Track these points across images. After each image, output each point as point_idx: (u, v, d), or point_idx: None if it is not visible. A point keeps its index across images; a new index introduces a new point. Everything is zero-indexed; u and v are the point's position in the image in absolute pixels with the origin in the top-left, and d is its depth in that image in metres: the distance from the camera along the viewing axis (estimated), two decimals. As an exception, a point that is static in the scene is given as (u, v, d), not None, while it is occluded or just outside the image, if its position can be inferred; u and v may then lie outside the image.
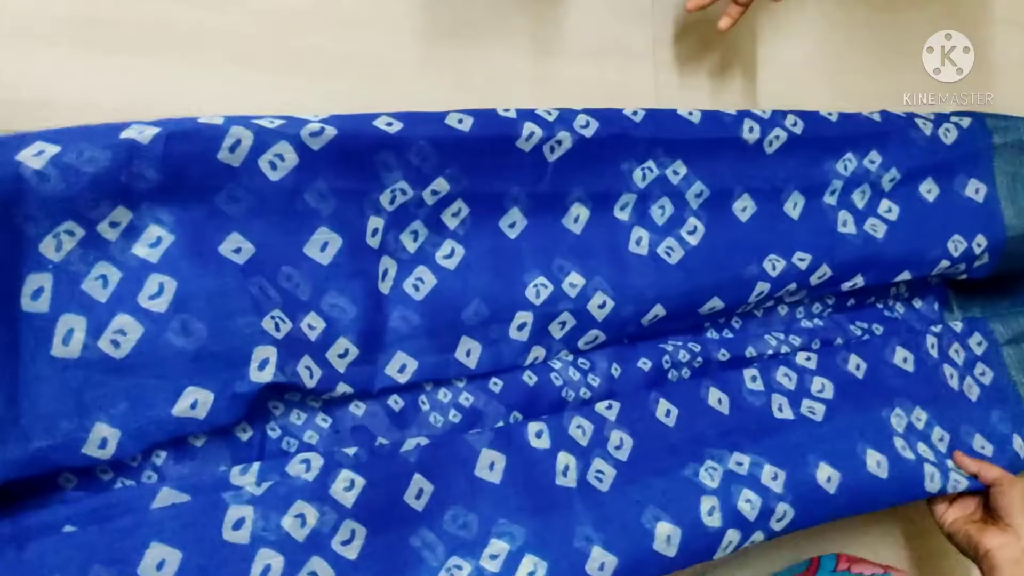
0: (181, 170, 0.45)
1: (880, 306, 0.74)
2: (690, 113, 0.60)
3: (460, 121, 0.52)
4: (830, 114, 0.65)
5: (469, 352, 0.55)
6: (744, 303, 0.63)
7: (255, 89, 0.55)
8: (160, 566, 0.41)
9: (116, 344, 0.43)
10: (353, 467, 0.48)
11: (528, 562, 0.49)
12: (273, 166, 0.47)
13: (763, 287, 0.62)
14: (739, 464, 0.57)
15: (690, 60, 0.70)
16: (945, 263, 0.68)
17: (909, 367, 0.67)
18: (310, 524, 0.45)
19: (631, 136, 0.58)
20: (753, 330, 0.68)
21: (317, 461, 0.47)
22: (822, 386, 0.64)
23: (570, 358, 0.59)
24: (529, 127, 0.54)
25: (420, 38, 0.60)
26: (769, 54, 0.73)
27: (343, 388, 0.50)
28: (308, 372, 0.48)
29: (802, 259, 0.63)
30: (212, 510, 0.43)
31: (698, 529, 0.53)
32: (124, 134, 0.43)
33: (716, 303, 0.61)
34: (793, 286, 0.64)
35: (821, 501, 0.57)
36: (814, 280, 0.64)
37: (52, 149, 0.41)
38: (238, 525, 0.44)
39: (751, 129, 0.61)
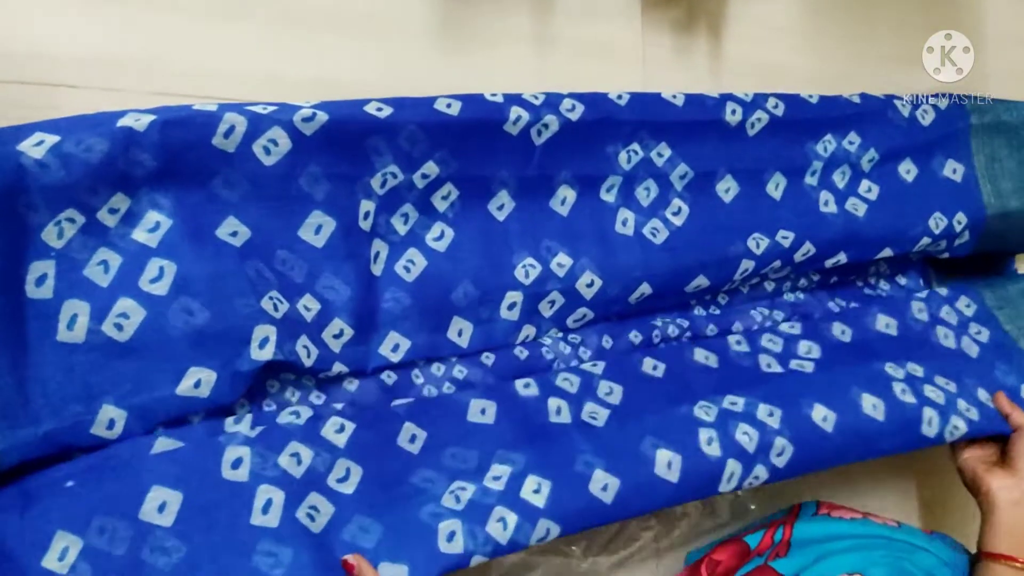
0: (177, 156, 0.46)
1: (860, 284, 0.76)
2: (674, 96, 0.61)
3: (449, 106, 0.53)
4: (811, 96, 0.66)
5: (460, 332, 0.56)
6: (730, 280, 0.64)
7: (255, 43, 0.57)
8: (161, 508, 0.42)
9: (119, 327, 0.44)
10: (341, 415, 0.49)
11: (532, 481, 0.49)
12: (267, 151, 0.48)
13: (748, 264, 0.63)
14: (733, 404, 0.56)
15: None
16: (927, 240, 0.69)
17: (893, 331, 0.68)
18: (305, 463, 0.46)
19: (616, 119, 0.59)
20: (738, 305, 0.70)
21: (306, 412, 0.49)
22: (809, 348, 0.64)
23: (560, 335, 0.61)
24: (516, 111, 0.55)
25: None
26: (742, 12, 0.74)
27: (339, 367, 0.52)
28: (306, 351, 0.50)
29: (785, 237, 0.64)
30: (210, 452, 0.44)
31: (698, 457, 0.52)
32: (121, 122, 0.44)
33: (702, 281, 0.62)
34: (777, 263, 0.65)
35: (819, 439, 0.56)
36: (798, 257, 0.66)
37: (51, 139, 0.42)
38: (236, 464, 0.45)
39: (733, 111, 0.63)
